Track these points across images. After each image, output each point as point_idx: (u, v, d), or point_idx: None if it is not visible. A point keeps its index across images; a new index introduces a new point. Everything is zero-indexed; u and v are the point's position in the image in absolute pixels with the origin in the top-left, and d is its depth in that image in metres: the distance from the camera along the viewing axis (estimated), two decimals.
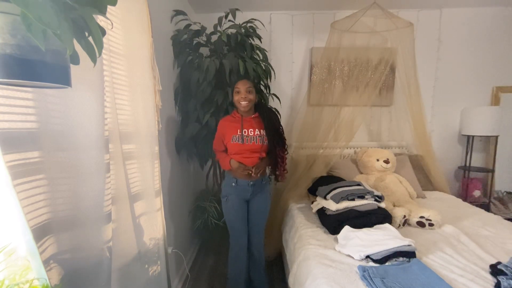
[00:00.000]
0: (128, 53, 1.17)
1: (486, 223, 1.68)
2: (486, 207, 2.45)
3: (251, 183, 1.62)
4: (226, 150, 1.68)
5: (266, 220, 1.78)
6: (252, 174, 1.56)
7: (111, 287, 0.96)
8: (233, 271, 1.77)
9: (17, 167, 0.65)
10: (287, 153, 1.72)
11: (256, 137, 1.57)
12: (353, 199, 1.62)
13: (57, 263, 0.76)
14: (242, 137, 1.56)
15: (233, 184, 1.63)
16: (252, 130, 1.58)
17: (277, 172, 1.68)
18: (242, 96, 1.53)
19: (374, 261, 1.24)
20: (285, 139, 1.70)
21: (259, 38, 2.19)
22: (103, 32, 0.62)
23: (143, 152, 1.29)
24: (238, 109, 1.60)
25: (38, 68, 0.47)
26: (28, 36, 0.44)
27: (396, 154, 2.32)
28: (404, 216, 1.65)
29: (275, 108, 2.33)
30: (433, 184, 2.39)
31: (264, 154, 1.62)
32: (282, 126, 1.68)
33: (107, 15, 0.62)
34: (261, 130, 1.59)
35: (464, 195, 2.56)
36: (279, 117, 1.82)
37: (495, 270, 1.16)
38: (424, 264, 1.20)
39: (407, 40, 2.24)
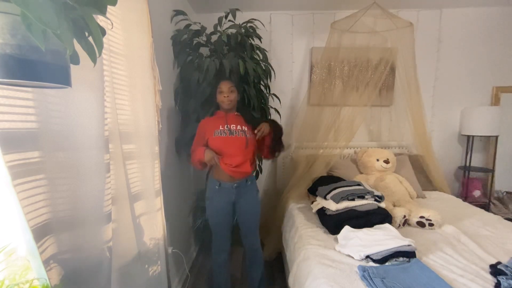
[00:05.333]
0: (128, 53, 1.17)
1: (486, 223, 1.68)
2: (486, 207, 2.45)
3: (235, 185, 1.60)
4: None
5: (259, 220, 1.75)
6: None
7: (111, 287, 0.96)
8: (218, 279, 1.75)
9: (17, 167, 0.65)
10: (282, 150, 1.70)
11: (238, 131, 1.59)
12: (353, 199, 1.62)
13: (57, 263, 0.76)
14: (226, 131, 1.58)
15: (217, 187, 1.61)
16: (234, 125, 1.61)
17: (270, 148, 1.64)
18: (225, 96, 1.58)
19: (374, 261, 1.24)
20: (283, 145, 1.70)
21: (259, 38, 2.19)
22: (103, 32, 0.62)
23: (143, 152, 1.29)
24: (221, 107, 1.65)
25: (38, 68, 0.47)
26: (28, 36, 0.44)
27: (396, 154, 2.32)
28: (404, 216, 1.65)
29: (275, 108, 2.35)
30: (433, 184, 2.39)
31: (249, 152, 1.60)
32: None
33: (107, 15, 0.61)
34: (243, 126, 1.62)
35: (464, 195, 2.56)
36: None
37: (495, 270, 1.17)
38: (424, 264, 1.20)
39: (407, 40, 2.24)
